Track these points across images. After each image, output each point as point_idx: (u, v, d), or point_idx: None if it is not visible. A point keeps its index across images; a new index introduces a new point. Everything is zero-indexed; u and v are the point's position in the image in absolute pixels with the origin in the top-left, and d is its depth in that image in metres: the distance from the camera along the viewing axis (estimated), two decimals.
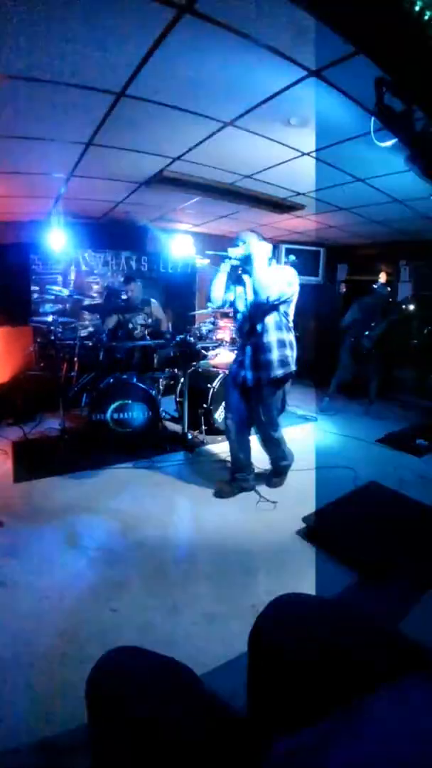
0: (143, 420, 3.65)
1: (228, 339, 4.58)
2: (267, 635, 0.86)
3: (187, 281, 6.21)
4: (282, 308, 2.70)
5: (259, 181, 3.57)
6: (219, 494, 2.95)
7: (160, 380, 4.10)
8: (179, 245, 5.19)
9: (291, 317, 2.78)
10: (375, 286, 5.16)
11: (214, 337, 4.48)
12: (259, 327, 2.71)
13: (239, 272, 2.76)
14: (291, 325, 2.80)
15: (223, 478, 3.09)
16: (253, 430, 3.01)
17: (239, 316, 2.85)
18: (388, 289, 5.34)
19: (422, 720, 0.51)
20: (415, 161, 1.96)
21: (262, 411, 2.83)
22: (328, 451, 3.92)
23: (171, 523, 2.57)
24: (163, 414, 4.03)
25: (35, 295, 5.09)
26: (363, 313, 5.09)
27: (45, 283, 4.99)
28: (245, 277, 2.75)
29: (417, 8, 1.24)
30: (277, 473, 3.17)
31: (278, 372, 2.71)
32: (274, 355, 2.70)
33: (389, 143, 1.99)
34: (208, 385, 4.03)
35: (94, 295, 5.44)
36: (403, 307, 6.05)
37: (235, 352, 4.60)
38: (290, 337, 2.78)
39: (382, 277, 5.59)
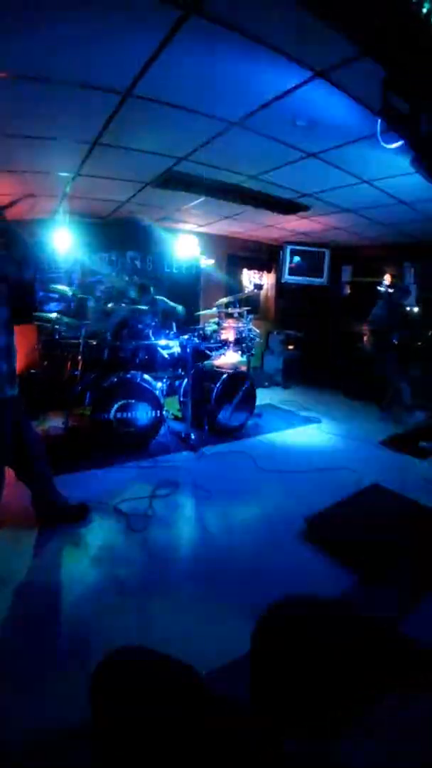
0: (147, 419, 3.65)
1: (232, 339, 4.57)
2: (268, 636, 0.86)
3: (192, 281, 6.21)
4: None
5: (264, 182, 3.57)
6: None
7: (164, 380, 4.10)
8: (184, 245, 5.19)
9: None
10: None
11: (218, 338, 4.46)
12: None
13: None
14: None
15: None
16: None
17: None
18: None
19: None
20: (421, 163, 1.96)
21: None
22: (331, 453, 3.92)
23: (173, 523, 2.58)
24: (167, 414, 4.04)
25: (40, 294, 5.10)
26: None
27: (50, 282, 5.01)
28: None
29: (425, 10, 1.24)
30: None
31: None
32: None
33: (395, 145, 1.99)
34: (212, 385, 4.04)
35: (99, 294, 5.46)
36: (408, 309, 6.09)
37: (238, 352, 4.63)
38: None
39: (387, 279, 5.58)
